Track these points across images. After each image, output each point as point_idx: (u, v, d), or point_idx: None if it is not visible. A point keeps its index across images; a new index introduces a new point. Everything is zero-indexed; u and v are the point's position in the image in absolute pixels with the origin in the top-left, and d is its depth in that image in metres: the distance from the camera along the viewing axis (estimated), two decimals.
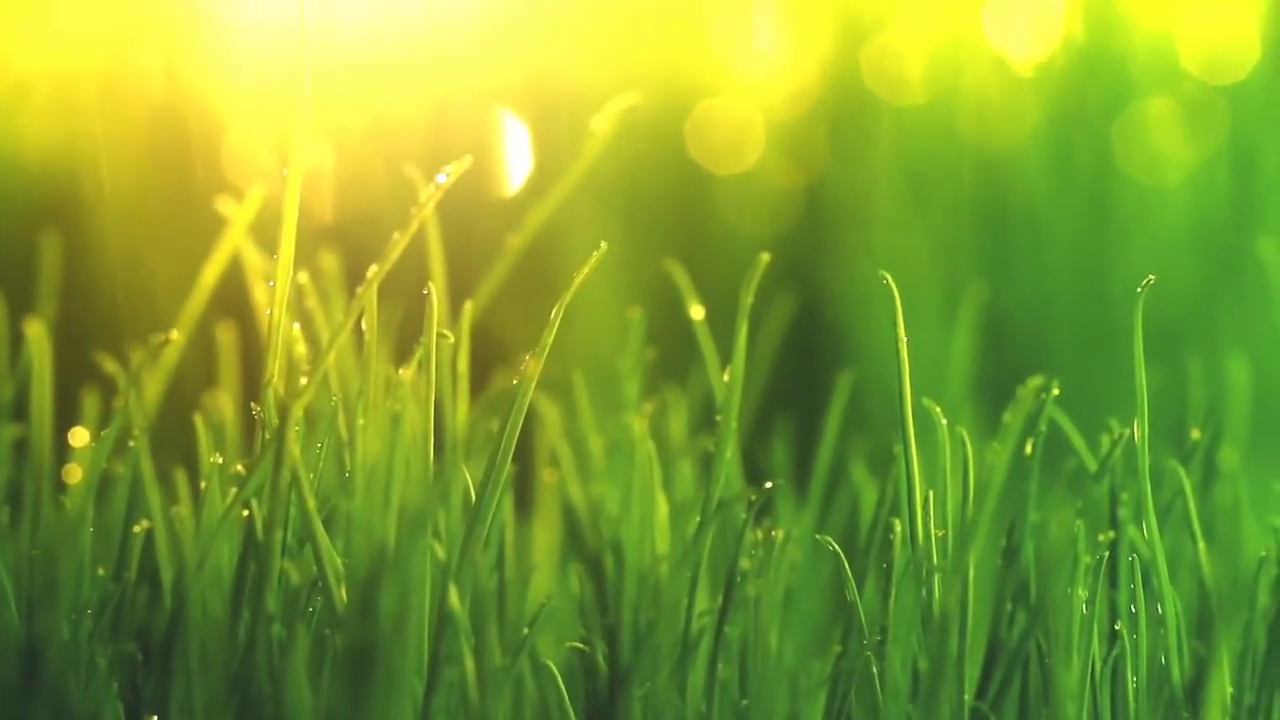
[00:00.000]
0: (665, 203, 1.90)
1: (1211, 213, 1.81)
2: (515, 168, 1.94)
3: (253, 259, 0.89)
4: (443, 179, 0.68)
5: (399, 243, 0.68)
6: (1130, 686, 1.02)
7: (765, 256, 0.70)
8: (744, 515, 0.78)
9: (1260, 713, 1.15)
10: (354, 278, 0.85)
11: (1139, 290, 0.72)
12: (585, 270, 0.68)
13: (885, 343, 1.34)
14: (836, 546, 0.79)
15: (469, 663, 0.69)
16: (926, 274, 1.97)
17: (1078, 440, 0.86)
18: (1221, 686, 0.95)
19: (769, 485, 0.83)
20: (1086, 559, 0.89)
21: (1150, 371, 0.89)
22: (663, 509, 0.99)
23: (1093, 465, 0.84)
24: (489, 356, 0.96)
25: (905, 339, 0.69)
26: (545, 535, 1.06)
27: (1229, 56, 1.80)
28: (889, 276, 0.71)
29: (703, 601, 0.94)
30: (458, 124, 2.03)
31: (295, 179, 0.67)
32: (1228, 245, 1.83)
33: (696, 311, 0.84)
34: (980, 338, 1.58)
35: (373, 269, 0.68)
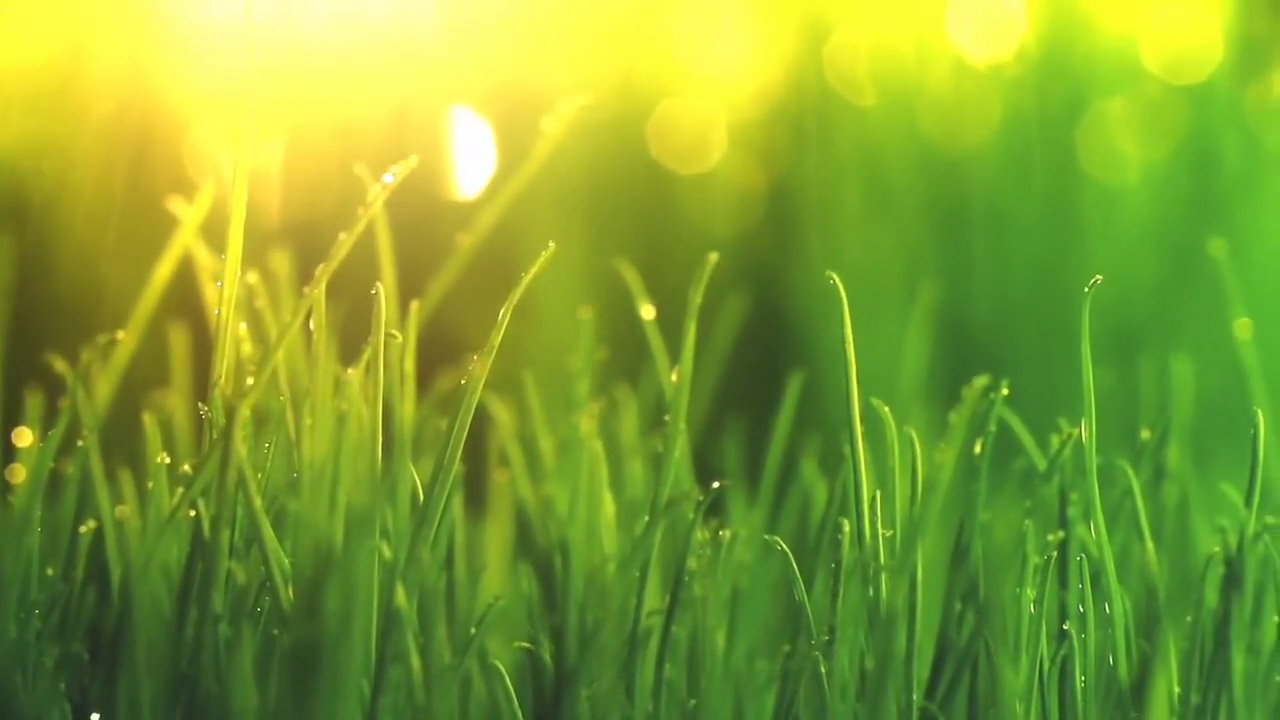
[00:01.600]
0: (622, 203, 1.91)
1: (1167, 213, 1.83)
2: (468, 168, 1.94)
3: (203, 259, 0.88)
4: (390, 179, 0.68)
5: (345, 242, 0.68)
6: (1078, 686, 1.03)
7: (714, 256, 0.70)
8: (692, 515, 0.78)
9: (1207, 712, 1.16)
10: (304, 278, 0.85)
11: (1086, 290, 0.72)
12: (533, 270, 0.68)
13: (839, 343, 1.34)
14: (784, 546, 0.79)
15: (416, 662, 0.69)
16: (882, 274, 1.98)
17: (1027, 440, 0.86)
18: (1168, 686, 0.96)
19: (716, 485, 0.83)
20: (1035, 559, 0.90)
21: (1102, 372, 0.90)
22: (609, 509, 0.99)
23: (1042, 465, 0.84)
24: (440, 356, 0.96)
25: (852, 339, 0.70)
26: (497, 534, 1.06)
27: (1187, 58, 1.81)
28: (836, 277, 0.71)
29: (651, 601, 0.94)
30: (412, 124, 2.03)
31: (242, 179, 0.67)
32: (1183, 246, 1.85)
33: (647, 311, 0.84)
34: (936, 338, 1.59)
35: (320, 268, 0.68)
